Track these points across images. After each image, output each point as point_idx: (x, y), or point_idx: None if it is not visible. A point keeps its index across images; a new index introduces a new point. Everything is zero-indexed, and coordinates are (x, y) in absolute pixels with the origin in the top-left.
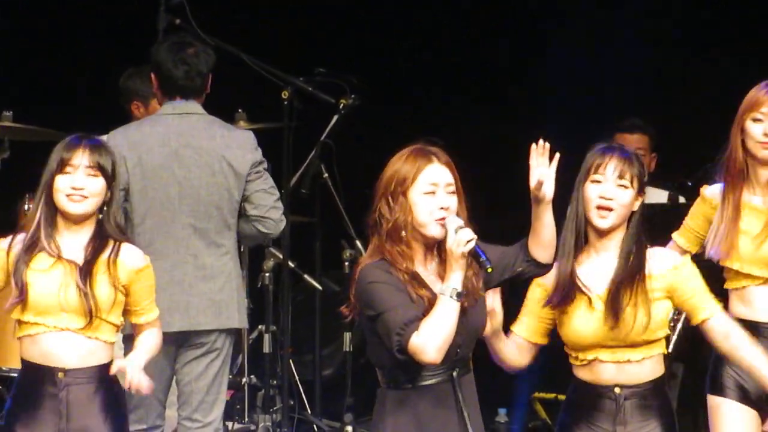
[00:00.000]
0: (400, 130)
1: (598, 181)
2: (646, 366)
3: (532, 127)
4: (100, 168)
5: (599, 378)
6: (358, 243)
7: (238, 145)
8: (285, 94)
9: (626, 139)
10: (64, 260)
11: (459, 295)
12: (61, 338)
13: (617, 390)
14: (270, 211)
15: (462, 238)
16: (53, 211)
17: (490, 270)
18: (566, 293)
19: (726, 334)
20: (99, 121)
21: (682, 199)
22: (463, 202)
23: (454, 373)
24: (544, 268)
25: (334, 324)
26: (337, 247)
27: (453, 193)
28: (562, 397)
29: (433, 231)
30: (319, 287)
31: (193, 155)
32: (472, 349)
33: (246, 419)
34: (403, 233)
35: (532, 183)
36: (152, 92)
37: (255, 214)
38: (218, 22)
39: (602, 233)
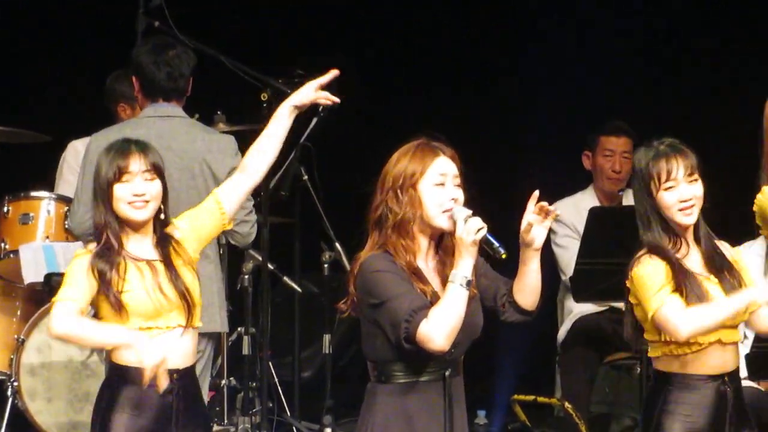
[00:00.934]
0: (382, 132)
1: (672, 187)
2: (738, 350)
3: (519, 132)
4: (156, 169)
5: (711, 367)
6: (338, 245)
7: (219, 149)
8: (264, 96)
9: (611, 142)
10: (147, 262)
11: (469, 284)
12: (171, 338)
13: (726, 379)
14: (240, 225)
15: (472, 227)
16: (117, 219)
17: (504, 256)
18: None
19: None
20: (79, 123)
21: None
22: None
23: (446, 373)
24: (525, 315)
25: (313, 326)
26: (317, 249)
27: (459, 185)
28: (541, 399)
29: (441, 222)
30: (299, 289)
31: (174, 158)
32: (465, 350)
33: (225, 421)
34: (411, 227)
35: (523, 225)
36: None
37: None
38: (197, 24)
39: (688, 227)
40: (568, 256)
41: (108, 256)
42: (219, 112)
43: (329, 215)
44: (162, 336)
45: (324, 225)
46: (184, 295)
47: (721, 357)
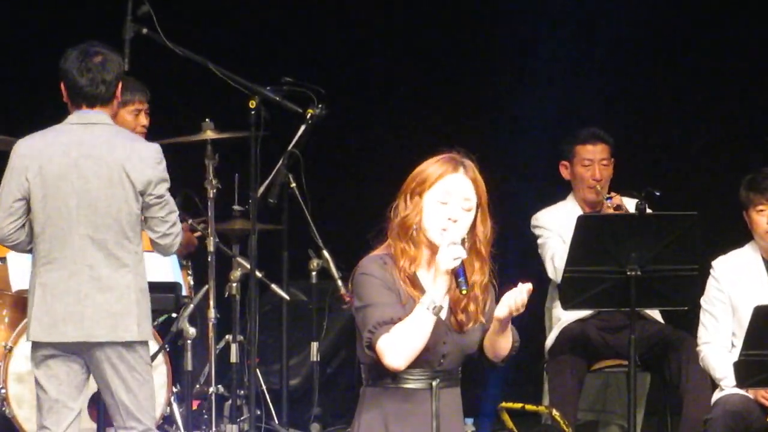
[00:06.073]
0: (370, 140)
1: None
2: None
3: (500, 133)
4: None
5: None
6: (326, 253)
7: (139, 158)
8: (252, 104)
9: (588, 150)
10: None
11: (437, 309)
12: None
13: None
14: (161, 237)
15: (451, 254)
16: None
17: (464, 291)
18: None
19: None
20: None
21: (649, 210)
22: (487, 221)
23: (434, 383)
24: (491, 366)
25: (301, 334)
26: (305, 257)
27: (469, 210)
28: (529, 407)
29: (435, 237)
30: (287, 297)
31: (93, 166)
32: (458, 364)
33: (213, 429)
34: (411, 232)
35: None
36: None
37: (149, 236)
38: (186, 32)
39: None
40: (551, 246)
41: None
42: (207, 120)
43: (317, 223)
44: None
45: (312, 233)
46: None
47: None
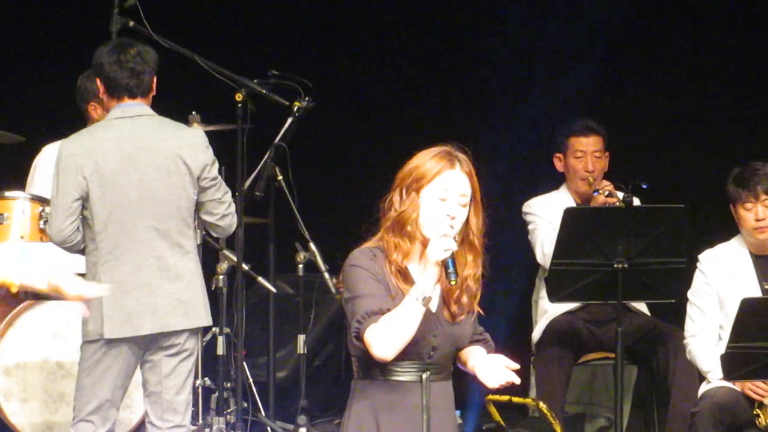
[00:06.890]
0: (356, 133)
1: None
2: None
3: (482, 128)
4: None
5: None
6: (312, 246)
7: (190, 145)
8: (239, 97)
9: (581, 142)
10: None
11: (426, 300)
12: None
13: None
14: (220, 219)
15: (441, 245)
16: None
17: (453, 282)
18: None
19: None
20: (53, 124)
21: (636, 201)
22: (480, 214)
23: (424, 375)
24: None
25: (287, 326)
26: (291, 249)
27: (465, 205)
28: (516, 399)
29: (429, 233)
30: (273, 290)
31: (148, 158)
32: (450, 357)
33: (200, 421)
34: (407, 228)
35: (484, 374)
36: None
37: (206, 220)
38: (172, 25)
39: None
40: (541, 233)
41: None
42: (194, 113)
43: (304, 216)
44: None
45: (298, 225)
46: None
47: None
